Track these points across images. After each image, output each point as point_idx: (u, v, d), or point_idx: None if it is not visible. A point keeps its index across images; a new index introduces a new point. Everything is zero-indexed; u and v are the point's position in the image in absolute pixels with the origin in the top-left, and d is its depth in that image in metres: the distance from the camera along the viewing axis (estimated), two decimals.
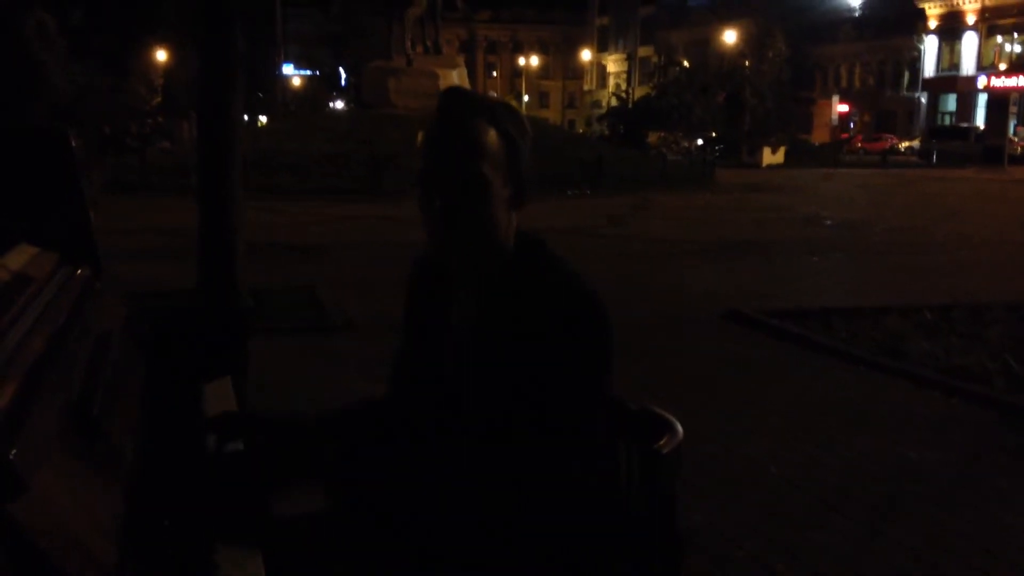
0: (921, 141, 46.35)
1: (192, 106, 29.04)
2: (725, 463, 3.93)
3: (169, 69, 39.20)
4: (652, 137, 38.01)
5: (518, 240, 1.59)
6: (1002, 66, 48.82)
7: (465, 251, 1.54)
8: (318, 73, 61.73)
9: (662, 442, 1.73)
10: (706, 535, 3.21)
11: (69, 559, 0.98)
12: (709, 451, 4.00)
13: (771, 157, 36.26)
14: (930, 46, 54.59)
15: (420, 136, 1.53)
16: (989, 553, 3.21)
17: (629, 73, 59.72)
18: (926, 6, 53.43)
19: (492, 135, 1.50)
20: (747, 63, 43.59)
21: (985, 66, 50.66)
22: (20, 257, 1.82)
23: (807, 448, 4.27)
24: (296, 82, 58.74)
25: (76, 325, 1.65)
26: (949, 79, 53.56)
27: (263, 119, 35.05)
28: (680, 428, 1.77)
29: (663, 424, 1.79)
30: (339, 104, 49.63)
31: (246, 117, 19.00)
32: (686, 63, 46.13)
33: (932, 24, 53.82)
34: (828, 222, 15.06)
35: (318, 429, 1.74)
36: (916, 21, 54.25)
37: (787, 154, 37.31)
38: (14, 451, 0.97)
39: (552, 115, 71.02)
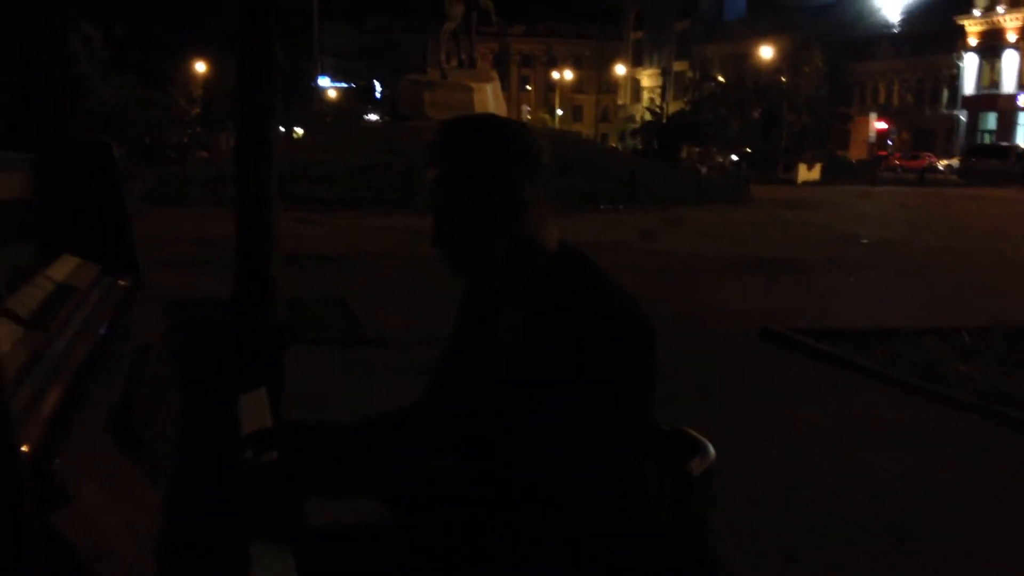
0: (960, 160, 45.78)
1: (230, 117, 29.44)
2: (758, 484, 3.89)
3: (208, 80, 39.81)
4: (686, 152, 37.89)
5: (560, 252, 1.59)
6: None
7: (474, 272, 1.62)
8: (353, 85, 62.36)
9: (692, 464, 1.72)
10: (738, 558, 3.18)
11: (108, 570, 1.00)
12: (741, 471, 3.96)
13: (807, 174, 35.97)
14: (970, 63, 53.99)
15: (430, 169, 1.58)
16: None
17: (663, 87, 59.67)
18: (966, 23, 52.88)
19: (485, 159, 1.53)
20: (784, 78, 43.36)
21: None
22: (64, 268, 1.86)
23: (841, 470, 4.22)
24: (332, 94, 59.35)
25: (117, 335, 1.68)
26: (989, 97, 52.92)
27: (299, 130, 35.46)
28: (712, 450, 1.76)
29: (695, 445, 1.78)
30: (373, 116, 50.04)
31: (282, 128, 19.21)
32: (721, 78, 45.98)
33: (972, 41, 53.24)
34: (865, 241, 14.91)
35: (352, 438, 1.76)
36: (956, 38, 53.70)
37: (823, 171, 37.00)
38: (57, 461, 0.99)
39: (585, 129, 71.08)
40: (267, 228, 6.34)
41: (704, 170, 32.02)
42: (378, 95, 59.12)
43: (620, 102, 78.00)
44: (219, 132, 34.68)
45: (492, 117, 1.64)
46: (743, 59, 51.30)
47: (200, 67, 40.60)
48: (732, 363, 6.33)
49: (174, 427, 1.67)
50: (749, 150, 38.89)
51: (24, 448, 0.91)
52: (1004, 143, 45.88)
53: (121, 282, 2.03)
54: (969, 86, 54.74)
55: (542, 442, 1.49)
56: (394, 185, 19.46)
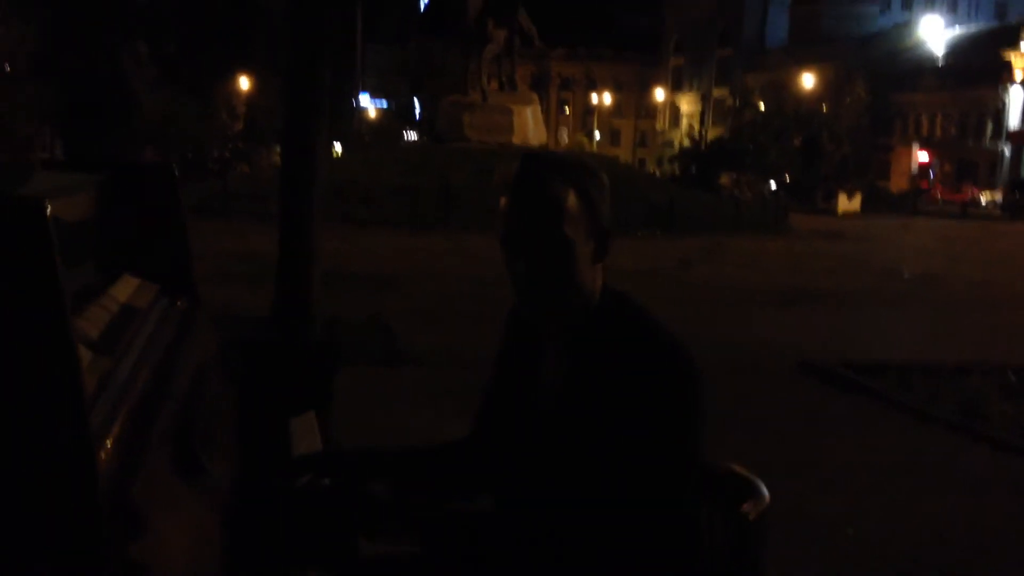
0: (1004, 193, 45.09)
1: (272, 132, 29.83)
2: (799, 522, 3.83)
3: (251, 96, 40.36)
4: (724, 179, 37.70)
5: (603, 293, 1.59)
6: None
7: (551, 310, 1.55)
8: (393, 105, 62.90)
9: (748, 506, 1.70)
10: None
11: None
12: (782, 509, 3.87)
13: (847, 204, 35.63)
14: (1015, 97, 53.27)
15: (503, 201, 1.54)
16: None
17: (703, 114, 59.48)
18: (1012, 57, 52.24)
19: (571, 196, 1.50)
20: (825, 107, 43.10)
21: None
22: (125, 288, 1.88)
23: (884, 509, 4.15)
24: (371, 113, 59.92)
25: (177, 357, 1.70)
26: None
27: (338, 147, 35.81)
28: (766, 491, 1.74)
29: (748, 486, 1.76)
30: (412, 136, 50.45)
31: None
32: (762, 105, 45.80)
33: (1018, 75, 52.55)
34: (906, 275, 14.72)
35: (398, 471, 1.76)
36: (1001, 71, 53.05)
37: (864, 201, 36.63)
38: (134, 490, 1.00)
39: (623, 153, 71.01)
40: (308, 246, 6.40)
41: (748, 195, 31.77)
42: (417, 115, 59.60)
43: (658, 127, 77.90)
44: (260, 147, 35.11)
45: (574, 154, 1.63)
46: (784, 87, 51.02)
47: (244, 83, 41.21)
48: (770, 396, 6.27)
49: (231, 451, 1.68)
50: (788, 179, 38.61)
51: (103, 478, 0.93)
52: None
53: (179, 302, 2.05)
54: (1014, 120, 54.01)
55: (592, 489, 1.48)
56: (432, 205, 19.57)
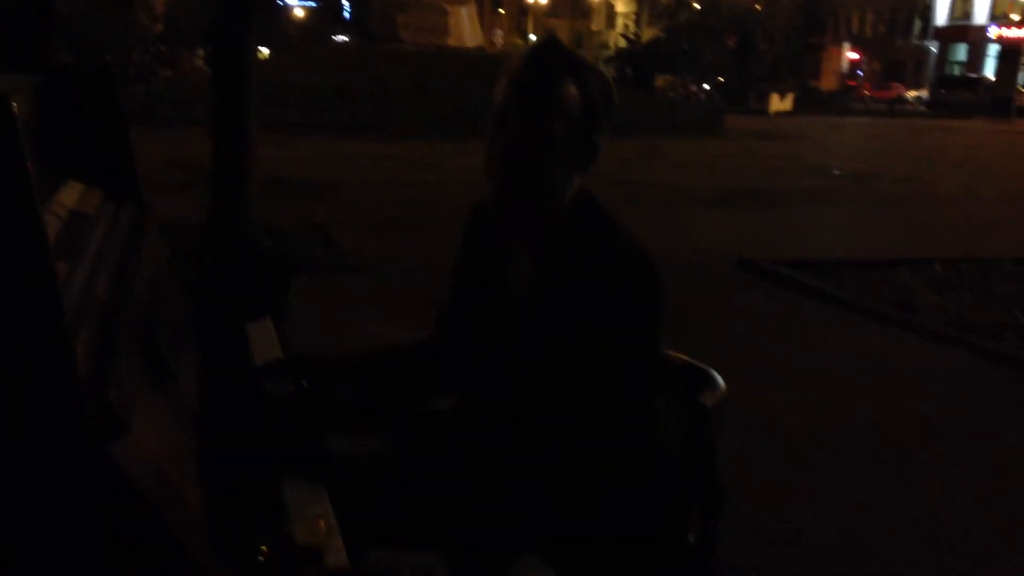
0: (929, 91, 45.87)
1: (195, 35, 28.56)
2: (741, 412, 3.96)
3: None
4: (660, 81, 37.51)
5: (576, 200, 1.58)
6: (1014, 16, 48.11)
7: (514, 201, 1.55)
8: (321, 4, 60.67)
9: (705, 395, 1.76)
10: (726, 484, 3.26)
11: (163, 498, 1.01)
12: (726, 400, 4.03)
13: (779, 104, 35.89)
14: None
15: (504, 82, 1.52)
16: (999, 508, 3.27)
17: (638, 14, 58.78)
18: None
19: (574, 94, 1.48)
20: (759, 7, 42.89)
21: (997, 16, 49.97)
22: (71, 194, 1.82)
23: (820, 400, 4.32)
24: (298, 13, 57.76)
25: (132, 263, 1.65)
26: (960, 28, 52.85)
27: (264, 50, 34.51)
28: (722, 382, 1.80)
29: (704, 377, 1.82)
30: (342, 38, 48.89)
31: None
32: (697, 5, 45.34)
33: None
34: (837, 172, 14.99)
35: (364, 373, 1.77)
36: None
37: (795, 101, 36.92)
38: (112, 391, 0.98)
39: None
40: (244, 152, 6.21)
41: (684, 96, 31.66)
42: (347, 15, 57.65)
43: (595, 28, 76.81)
44: (184, 50, 33.67)
45: (581, 56, 1.58)
46: None
47: None
48: (711, 294, 6.40)
49: (191, 355, 1.66)
50: (722, 80, 38.60)
51: (81, 379, 0.91)
52: (973, 75, 45.97)
53: (126, 208, 1.99)
54: (941, 17, 54.59)
55: (563, 382, 1.51)
56: (369, 110, 19.13)
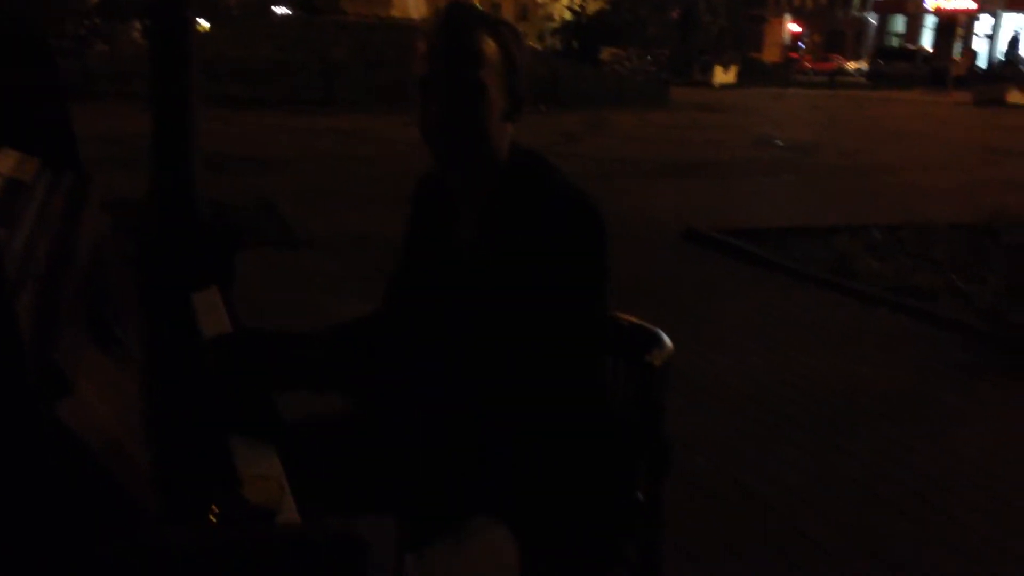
0: (869, 62, 46.60)
1: (130, 6, 27.83)
2: (689, 379, 4.04)
3: None
4: (605, 53, 37.52)
5: (513, 152, 1.61)
6: None
7: (459, 156, 1.57)
8: None
9: (653, 355, 1.79)
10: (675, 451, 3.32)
11: (112, 459, 1.00)
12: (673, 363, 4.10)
13: (723, 76, 36.16)
14: None
15: (422, 45, 1.55)
16: (938, 465, 3.38)
17: None
18: None
19: (492, 46, 1.53)
20: None
21: None
22: (6, 161, 1.78)
23: (765, 364, 4.41)
24: None
25: (73, 230, 1.63)
26: (898, 0, 53.68)
27: (204, 23, 33.76)
28: (669, 342, 1.83)
29: (652, 338, 1.85)
30: (282, 10, 47.98)
31: None
32: None
33: None
34: (779, 143, 15.19)
35: (313, 348, 1.76)
36: None
37: (739, 73, 37.21)
38: (56, 353, 0.97)
39: None
40: (186, 126, 6.08)
41: (629, 68, 31.77)
42: None
43: (539, 0, 76.44)
44: (119, 23, 32.78)
45: (490, 13, 1.61)
46: None
47: None
48: (657, 263, 6.48)
49: (136, 323, 1.65)
50: (667, 52, 38.76)
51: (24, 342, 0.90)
52: (911, 46, 46.81)
53: (64, 177, 1.95)
54: None
55: (513, 341, 1.53)
56: (312, 84, 18.84)
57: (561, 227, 1.53)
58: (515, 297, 1.53)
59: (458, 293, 1.62)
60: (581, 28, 40.55)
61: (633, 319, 1.90)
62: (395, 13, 23.67)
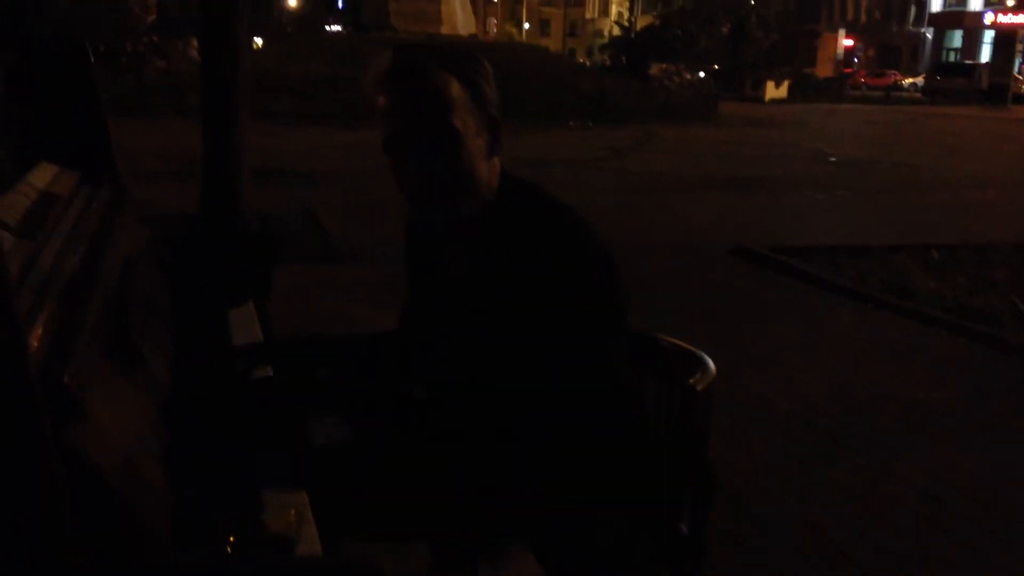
0: (925, 78, 45.78)
1: (188, 24, 28.39)
2: (735, 399, 3.94)
3: None
4: (654, 68, 37.40)
5: (502, 182, 1.53)
6: (1009, 2, 47.97)
7: (447, 211, 1.49)
8: None
9: (695, 379, 1.72)
10: (718, 471, 3.22)
11: (127, 483, 0.96)
12: (720, 385, 4.00)
13: (774, 91, 35.82)
14: None
15: (381, 99, 1.44)
16: (996, 493, 3.24)
17: (632, 1, 58.51)
18: None
19: (455, 85, 1.42)
20: None
21: (992, 2, 49.81)
22: (43, 175, 1.77)
23: (816, 385, 4.28)
24: (292, 3, 57.48)
25: (105, 246, 1.61)
26: (955, 15, 52.72)
27: (258, 40, 34.33)
28: (712, 365, 1.76)
29: (694, 361, 1.78)
30: (336, 27, 48.67)
31: None
32: None
33: None
34: (833, 159, 14.94)
35: (341, 355, 1.74)
36: None
37: (791, 88, 36.84)
38: (67, 375, 0.94)
39: (553, 44, 69.67)
40: (235, 140, 6.16)
41: (679, 84, 31.62)
42: (340, 4, 57.35)
43: (588, 16, 76.57)
44: (176, 40, 33.48)
45: (452, 42, 1.55)
46: None
47: None
48: (706, 280, 6.37)
49: (167, 340, 1.62)
50: (717, 67, 38.51)
51: (33, 361, 0.86)
52: (969, 62, 45.87)
53: (102, 190, 1.94)
54: (936, 3, 54.46)
55: (519, 371, 1.46)
56: (359, 98, 19.00)
57: (552, 256, 1.44)
58: (514, 330, 1.45)
59: (459, 325, 1.57)
60: (630, 43, 40.53)
61: (675, 341, 1.84)
62: (444, 30, 23.83)
